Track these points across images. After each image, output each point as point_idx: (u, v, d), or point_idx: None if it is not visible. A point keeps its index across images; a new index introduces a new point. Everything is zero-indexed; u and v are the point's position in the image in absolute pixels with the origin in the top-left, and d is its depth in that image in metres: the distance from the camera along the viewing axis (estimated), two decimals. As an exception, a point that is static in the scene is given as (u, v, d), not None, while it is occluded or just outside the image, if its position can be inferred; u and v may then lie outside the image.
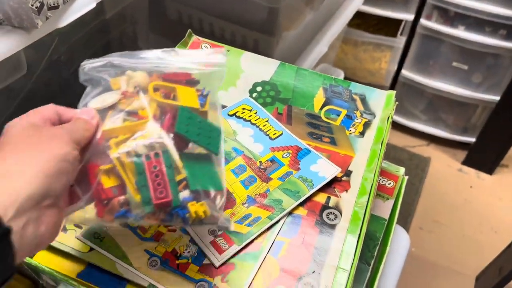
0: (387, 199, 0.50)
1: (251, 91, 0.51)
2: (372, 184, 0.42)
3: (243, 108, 0.49)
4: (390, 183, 0.52)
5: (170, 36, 0.70)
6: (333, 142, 0.46)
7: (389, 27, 1.21)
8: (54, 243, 0.37)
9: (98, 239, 0.38)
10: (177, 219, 0.32)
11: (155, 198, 0.31)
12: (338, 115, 0.49)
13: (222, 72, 0.36)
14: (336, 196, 0.42)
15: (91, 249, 0.38)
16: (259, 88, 0.52)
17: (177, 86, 0.35)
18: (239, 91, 0.51)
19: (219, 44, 0.55)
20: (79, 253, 0.37)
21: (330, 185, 0.42)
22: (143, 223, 0.32)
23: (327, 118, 0.49)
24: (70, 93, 0.51)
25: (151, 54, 0.36)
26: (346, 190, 0.42)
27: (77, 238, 0.38)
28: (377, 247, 0.46)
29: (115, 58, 0.35)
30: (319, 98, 0.51)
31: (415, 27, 1.16)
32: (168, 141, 0.32)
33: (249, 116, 0.49)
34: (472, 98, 1.21)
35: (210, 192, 0.33)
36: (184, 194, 0.32)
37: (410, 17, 1.15)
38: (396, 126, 1.38)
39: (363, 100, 0.51)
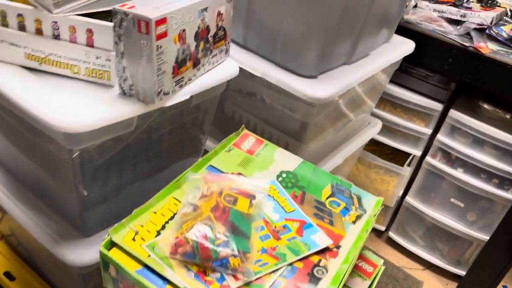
0: (365, 279, 0.64)
1: (277, 176, 0.69)
2: (353, 257, 0.57)
3: (270, 187, 0.67)
4: (370, 268, 0.66)
5: (224, 129, 0.92)
6: (331, 223, 0.63)
7: (400, 157, 1.41)
8: (126, 247, 0.53)
9: (153, 252, 0.54)
10: (220, 267, 0.52)
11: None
12: (339, 206, 0.66)
13: (266, 193, 0.63)
14: (326, 260, 0.57)
15: (149, 255, 0.53)
16: (284, 175, 0.70)
17: (239, 196, 0.59)
18: (269, 174, 0.69)
19: (261, 139, 0.75)
20: (140, 256, 0.53)
21: (323, 252, 0.58)
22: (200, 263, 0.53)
23: (330, 206, 0.66)
24: (154, 151, 0.71)
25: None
26: (334, 257, 0.57)
27: (142, 247, 0.54)
28: (351, 312, 0.59)
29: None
30: (327, 190, 0.68)
31: (422, 162, 1.36)
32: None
33: (272, 193, 0.66)
34: (466, 234, 1.34)
35: (241, 252, 0.53)
36: (227, 251, 0.52)
37: (418, 152, 1.36)
38: (396, 246, 1.51)
39: (359, 199, 0.68)
